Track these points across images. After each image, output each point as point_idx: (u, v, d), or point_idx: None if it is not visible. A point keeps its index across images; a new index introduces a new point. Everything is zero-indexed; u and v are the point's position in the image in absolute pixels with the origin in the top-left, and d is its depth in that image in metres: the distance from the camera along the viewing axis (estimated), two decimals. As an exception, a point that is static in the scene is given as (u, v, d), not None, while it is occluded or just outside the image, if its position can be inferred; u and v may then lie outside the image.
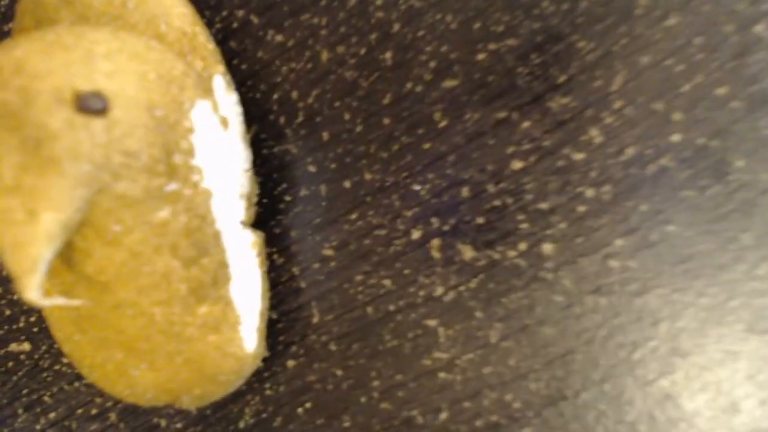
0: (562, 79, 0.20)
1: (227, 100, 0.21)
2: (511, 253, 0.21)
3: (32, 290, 0.16)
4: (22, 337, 0.27)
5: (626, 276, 0.20)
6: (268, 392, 0.24)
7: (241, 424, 0.24)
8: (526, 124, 0.21)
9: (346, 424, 0.23)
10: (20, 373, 0.27)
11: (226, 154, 0.20)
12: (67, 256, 0.19)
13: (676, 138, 0.20)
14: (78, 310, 0.20)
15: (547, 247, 0.21)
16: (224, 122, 0.21)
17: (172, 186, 0.18)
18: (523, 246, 0.21)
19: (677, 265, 0.20)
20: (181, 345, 0.20)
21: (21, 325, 0.27)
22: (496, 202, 0.21)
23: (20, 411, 0.27)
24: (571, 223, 0.21)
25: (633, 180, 0.20)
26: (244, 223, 0.22)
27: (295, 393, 0.24)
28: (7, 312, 0.27)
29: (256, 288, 0.22)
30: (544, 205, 0.21)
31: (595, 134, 0.20)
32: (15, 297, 0.27)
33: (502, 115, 0.21)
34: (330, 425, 0.23)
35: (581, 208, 0.21)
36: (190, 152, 0.19)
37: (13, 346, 0.27)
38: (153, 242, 0.18)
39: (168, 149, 0.18)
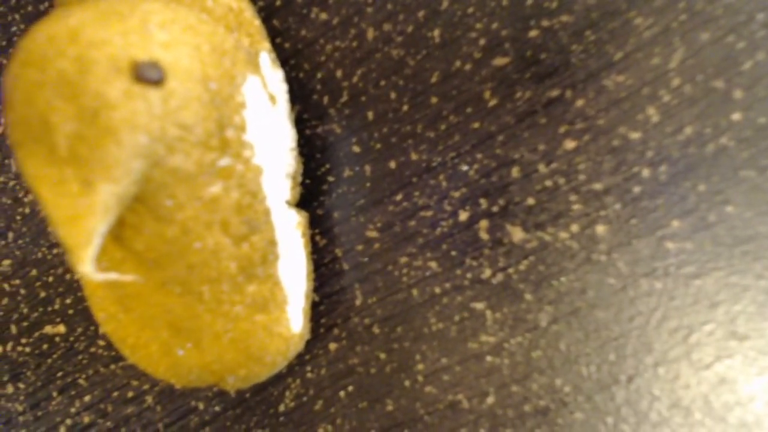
0: (618, 56, 0.20)
1: (274, 77, 0.21)
2: (563, 235, 0.21)
3: (86, 264, 0.16)
4: (58, 320, 0.27)
5: (682, 258, 0.20)
6: (309, 375, 0.24)
7: (282, 408, 0.24)
8: (579, 103, 0.20)
9: (389, 408, 0.23)
10: (55, 356, 0.27)
11: (274, 132, 0.20)
12: (116, 233, 0.18)
13: (736, 117, 0.19)
14: (123, 289, 0.20)
15: (601, 229, 0.20)
16: (272, 99, 0.20)
17: (225, 161, 0.18)
18: (575, 227, 0.21)
19: (735, 247, 0.20)
20: (228, 324, 0.20)
21: (56, 307, 0.27)
22: (548, 183, 0.21)
23: (54, 394, 0.27)
24: (626, 204, 0.20)
25: (691, 160, 0.20)
26: (288, 203, 0.21)
27: (337, 376, 0.23)
28: (42, 294, 0.27)
29: (301, 268, 0.21)
30: (597, 186, 0.20)
31: (651, 113, 0.20)
32: (50, 279, 0.27)
33: (554, 93, 0.21)
34: (372, 409, 0.23)
35: (636, 189, 0.20)
36: (242, 127, 0.18)
37: (48, 329, 0.27)
38: (204, 218, 0.18)
39: (221, 123, 0.18)
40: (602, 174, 0.20)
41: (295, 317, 0.21)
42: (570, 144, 0.21)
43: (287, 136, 0.21)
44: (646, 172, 0.20)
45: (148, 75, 0.16)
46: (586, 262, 0.21)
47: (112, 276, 0.17)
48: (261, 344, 0.20)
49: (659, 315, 0.20)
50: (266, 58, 0.21)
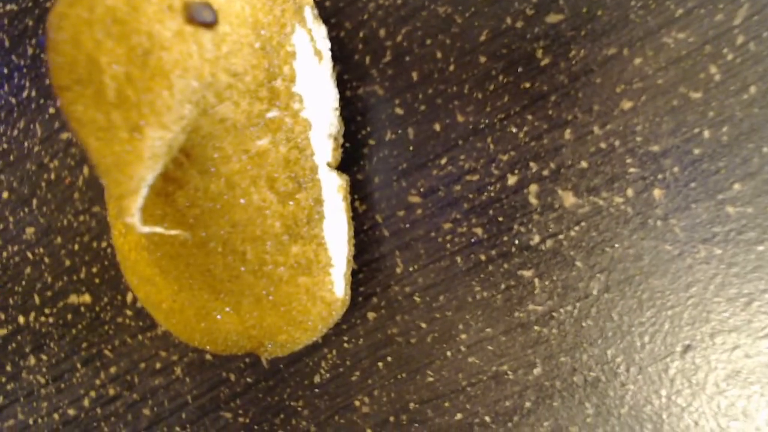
0: (679, 12, 0.19)
1: (319, 33, 0.20)
2: (618, 200, 0.20)
3: (133, 213, 0.15)
4: (83, 289, 0.26)
5: (744, 223, 0.19)
6: (346, 345, 0.23)
7: (317, 379, 0.23)
8: (638, 61, 0.20)
9: (430, 379, 0.22)
10: (79, 326, 0.26)
11: (321, 88, 0.19)
12: (158, 187, 0.17)
13: (805, 75, 0.18)
14: (162, 249, 0.19)
15: (658, 193, 0.20)
16: (318, 54, 0.19)
17: (273, 113, 0.17)
18: (630, 192, 0.20)
19: (799, 213, 0.19)
20: (271, 286, 0.19)
21: (82, 276, 0.26)
22: (602, 145, 0.20)
23: (79, 365, 0.26)
24: (685, 166, 0.19)
25: (755, 120, 0.19)
26: (330, 165, 0.21)
27: (375, 346, 0.23)
28: (67, 262, 0.26)
29: (343, 232, 0.21)
30: (655, 148, 0.20)
31: (714, 71, 0.19)
32: (75, 247, 0.26)
33: (611, 51, 0.20)
34: (412, 379, 0.22)
35: (696, 151, 0.19)
36: (291, 78, 0.17)
37: (73, 298, 0.26)
38: (251, 173, 0.17)
39: (271, 73, 0.17)
40: (660, 135, 0.20)
41: (338, 281, 0.20)
42: (627, 104, 0.20)
43: (331, 94, 0.20)
44: (707, 133, 0.19)
45: (201, 16, 0.15)
46: (641, 228, 0.20)
47: (158, 229, 0.16)
48: (303, 308, 0.19)
49: (718, 282, 0.19)
50: (310, 13, 0.20)
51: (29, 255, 0.27)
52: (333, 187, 0.20)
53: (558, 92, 0.20)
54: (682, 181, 0.19)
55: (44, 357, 0.27)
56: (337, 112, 0.21)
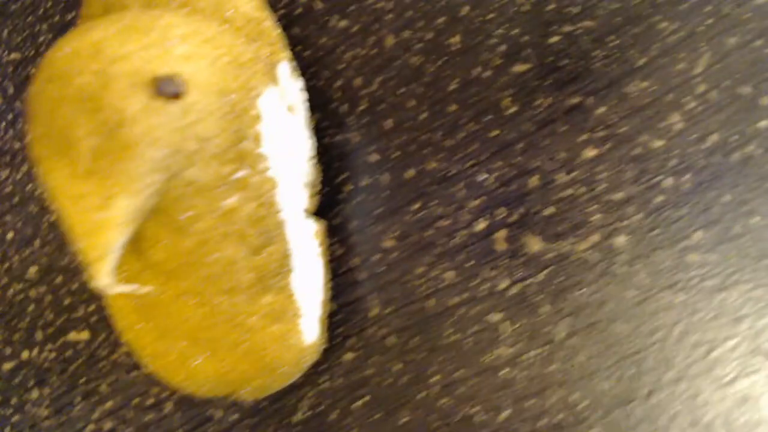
0: (641, 62, 0.20)
1: (293, 87, 0.21)
2: (582, 246, 0.20)
3: (104, 277, 0.16)
4: (82, 326, 0.27)
5: (706, 271, 0.19)
6: (324, 385, 0.24)
7: (296, 418, 0.24)
8: (601, 110, 0.20)
9: (404, 420, 0.23)
10: (78, 362, 0.27)
11: (291, 142, 0.20)
12: (135, 244, 0.18)
13: (763, 124, 0.19)
14: (142, 299, 0.20)
15: (621, 240, 0.20)
16: (291, 109, 0.20)
17: (241, 173, 0.18)
18: (595, 238, 0.20)
19: (761, 260, 0.19)
20: (244, 335, 0.20)
21: (80, 314, 0.27)
22: (567, 192, 0.20)
23: (77, 399, 0.28)
24: (648, 214, 0.20)
25: (716, 169, 0.19)
26: (307, 212, 0.21)
27: (352, 387, 0.23)
28: (67, 301, 0.28)
29: (318, 278, 0.21)
30: (618, 195, 0.20)
31: (675, 120, 0.19)
32: (74, 286, 0.27)
33: (575, 100, 0.20)
34: (387, 420, 0.23)
35: (659, 199, 0.20)
36: (258, 139, 0.18)
37: (73, 335, 0.28)
38: (221, 230, 0.18)
39: (238, 136, 0.18)
40: (623, 183, 0.20)
41: (309, 328, 0.21)
42: (590, 152, 0.20)
43: (305, 145, 0.21)
44: (668, 182, 0.20)
45: (168, 89, 0.16)
46: (605, 274, 0.20)
47: (130, 288, 0.17)
48: (275, 355, 0.20)
49: (680, 329, 0.20)
50: (286, 68, 0.21)
51: (32, 293, 0.28)
52: (308, 234, 0.21)
53: (524, 140, 0.21)
54: (644, 229, 0.20)
55: (47, 390, 0.28)
56: (313, 161, 0.22)
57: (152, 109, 0.16)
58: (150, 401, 0.26)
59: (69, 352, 0.28)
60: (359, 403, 0.23)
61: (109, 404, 0.27)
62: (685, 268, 0.20)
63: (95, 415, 0.27)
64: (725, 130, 0.19)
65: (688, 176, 0.19)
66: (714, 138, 0.19)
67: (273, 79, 0.20)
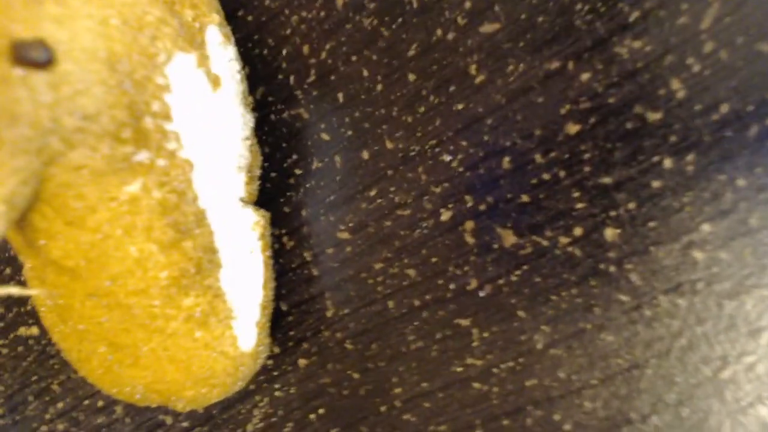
0: (634, 16, 0.16)
1: (222, 55, 0.18)
2: (564, 240, 0.17)
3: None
4: (31, 321, 0.25)
5: (715, 271, 0.16)
6: (277, 393, 0.21)
7: (249, 428, 0.22)
8: (585, 76, 0.16)
9: (365, 436, 0.20)
10: (30, 359, 0.26)
11: (217, 119, 0.17)
12: (28, 238, 0.16)
13: (789, 90, 0.15)
14: (55, 300, 0.18)
15: (611, 233, 0.17)
16: (215, 81, 0.17)
17: (142, 155, 0.15)
18: (578, 231, 0.17)
19: (786, 259, 0.15)
20: (165, 341, 0.17)
21: (29, 308, 0.25)
22: (545, 176, 0.17)
23: (30, 398, 0.26)
24: (643, 202, 0.16)
25: (727, 146, 0.15)
26: (244, 201, 0.19)
27: (307, 396, 0.21)
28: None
29: (256, 276, 0.19)
30: (607, 180, 0.16)
31: (676, 87, 0.16)
32: (22, 279, 0.25)
33: (554, 65, 0.17)
34: (346, 435, 0.20)
35: (656, 184, 0.16)
36: (164, 115, 0.16)
37: (22, 330, 0.26)
38: (122, 222, 0.15)
39: (135, 111, 0.15)
40: (613, 165, 0.16)
41: (244, 333, 0.18)
42: (573, 128, 0.17)
43: (238, 123, 0.18)
44: (668, 163, 0.16)
45: (30, 55, 0.13)
46: (591, 274, 0.17)
47: (12, 290, 0.15)
48: (204, 364, 0.18)
49: (683, 342, 0.16)
50: (215, 33, 0.18)
51: (-17, 285, 0.27)
52: (245, 226, 0.18)
53: (494, 114, 0.17)
54: (639, 220, 0.16)
55: (1, 388, 0.27)
56: (249, 142, 0.19)
57: (10, 80, 0.13)
58: (100, 403, 0.24)
59: (20, 348, 0.26)
60: (315, 415, 0.21)
61: (60, 404, 0.25)
62: (689, 269, 0.16)
63: (48, 416, 0.26)
64: (738, 99, 0.15)
65: (692, 156, 0.16)
66: (724, 108, 0.15)
67: (192, 44, 0.17)
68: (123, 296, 0.16)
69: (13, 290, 0.15)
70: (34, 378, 0.26)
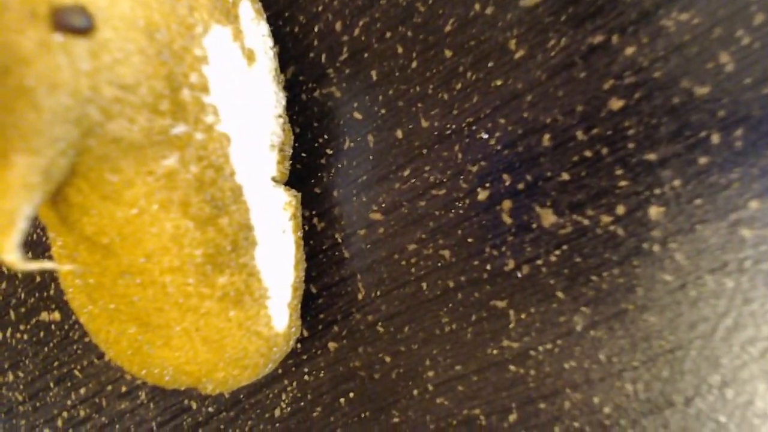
0: (680, -12, 0.15)
1: (255, 31, 0.18)
2: (606, 219, 0.17)
3: (9, 251, 0.13)
4: (53, 306, 0.25)
5: (763, 250, 0.15)
6: (306, 378, 0.21)
7: (277, 413, 0.21)
8: (629, 51, 0.16)
9: (395, 420, 0.20)
10: (51, 344, 0.25)
11: (251, 95, 0.17)
12: (63, 213, 0.16)
13: None
14: (86, 278, 0.18)
15: (655, 211, 0.16)
16: (250, 56, 0.17)
17: (180, 128, 0.15)
18: (621, 209, 0.16)
19: (838, 237, 0.15)
20: (199, 320, 0.17)
21: (51, 293, 0.25)
22: (587, 153, 0.17)
23: (52, 384, 0.26)
24: (689, 179, 0.16)
25: (778, 121, 0.15)
26: (276, 180, 0.18)
27: (336, 380, 0.20)
28: (37, 279, 0.25)
29: (288, 257, 0.18)
30: (651, 156, 0.16)
31: (725, 60, 0.15)
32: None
33: (597, 39, 0.16)
34: (376, 419, 0.20)
35: (703, 160, 0.16)
36: (202, 87, 0.15)
37: (44, 315, 0.25)
38: (159, 197, 0.15)
39: (174, 82, 0.15)
40: (658, 141, 0.16)
41: (278, 314, 0.18)
42: (616, 103, 0.16)
43: (271, 100, 0.18)
44: (716, 138, 0.16)
45: (71, 22, 0.13)
46: (634, 254, 0.16)
47: (47, 265, 0.14)
48: (238, 344, 0.17)
49: (730, 322, 0.16)
50: (248, 8, 0.18)
51: (4, 270, 0.26)
52: (277, 206, 0.18)
53: (534, 90, 0.17)
54: (684, 198, 0.16)
55: (21, 374, 0.26)
56: (282, 120, 0.18)
57: (51, 47, 0.13)
58: (123, 388, 0.24)
59: (42, 334, 0.25)
60: (345, 399, 0.20)
61: (82, 390, 0.25)
62: (736, 247, 0.16)
63: (69, 402, 0.25)
64: (792, 70, 0.15)
65: (740, 131, 0.15)
66: (777, 81, 0.15)
67: (227, 17, 0.16)
68: (157, 274, 0.16)
69: (48, 265, 0.14)
70: (56, 363, 0.25)
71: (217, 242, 0.16)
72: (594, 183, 0.17)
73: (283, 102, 0.18)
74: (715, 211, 0.16)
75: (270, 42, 0.18)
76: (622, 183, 0.16)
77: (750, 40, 0.15)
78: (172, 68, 0.15)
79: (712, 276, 0.16)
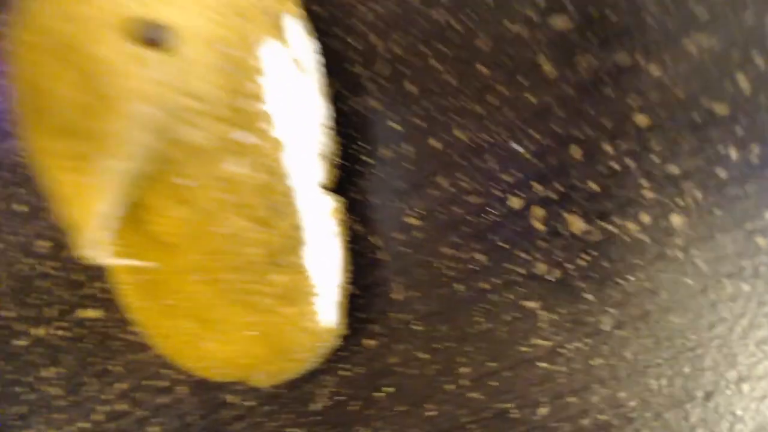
0: (702, 13, 0.17)
1: (302, 44, 0.19)
2: (632, 226, 0.18)
3: (87, 246, 0.14)
4: (93, 304, 0.26)
5: (778, 256, 0.17)
6: (345, 373, 0.22)
7: (316, 406, 0.23)
8: (654, 70, 0.17)
9: (431, 413, 0.21)
10: (91, 340, 0.26)
11: (301, 104, 0.18)
12: (134, 214, 0.17)
13: None
14: (147, 275, 0.19)
15: (677, 220, 0.18)
16: (299, 67, 0.18)
17: (239, 134, 0.16)
18: (646, 218, 0.18)
19: None
20: (256, 316, 0.18)
21: (91, 291, 0.26)
22: (615, 165, 0.18)
23: (91, 380, 0.27)
24: (708, 190, 0.17)
25: (792, 138, 0.16)
26: (324, 187, 0.20)
27: (374, 376, 0.22)
28: (79, 277, 0.27)
29: (336, 259, 0.19)
30: (674, 169, 0.17)
31: (742, 82, 0.17)
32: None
33: (624, 59, 0.18)
34: (412, 413, 0.21)
35: (722, 173, 0.17)
36: (257, 96, 0.16)
37: (83, 312, 0.27)
38: (223, 200, 0.16)
39: (234, 92, 0.16)
40: (680, 155, 0.17)
41: (325, 311, 0.19)
42: (642, 120, 0.18)
43: (320, 110, 0.19)
44: (734, 153, 0.17)
45: (154, 36, 0.14)
46: (658, 259, 0.18)
47: (122, 261, 0.16)
48: (289, 339, 0.19)
49: (746, 323, 0.17)
50: (294, 24, 0.19)
51: (44, 268, 0.27)
52: (324, 211, 0.19)
53: (564, 106, 0.18)
54: (705, 208, 0.17)
55: (61, 369, 0.27)
56: (328, 129, 0.20)
57: (136, 58, 0.14)
58: (163, 384, 0.25)
59: (81, 330, 0.27)
60: (382, 393, 0.22)
61: (122, 385, 0.26)
62: (753, 254, 0.17)
63: (109, 396, 0.26)
64: (806, 92, 0.16)
65: (756, 147, 0.17)
66: (791, 101, 0.16)
67: (276, 29, 0.18)
68: (220, 272, 0.17)
69: (122, 260, 0.15)
70: (95, 359, 0.26)
71: (275, 243, 0.17)
72: (621, 193, 0.18)
73: (329, 112, 0.20)
74: (732, 220, 0.17)
75: (315, 55, 0.19)
76: (647, 193, 0.18)
77: (765, 64, 0.16)
78: (233, 78, 0.16)
79: (729, 280, 0.17)
